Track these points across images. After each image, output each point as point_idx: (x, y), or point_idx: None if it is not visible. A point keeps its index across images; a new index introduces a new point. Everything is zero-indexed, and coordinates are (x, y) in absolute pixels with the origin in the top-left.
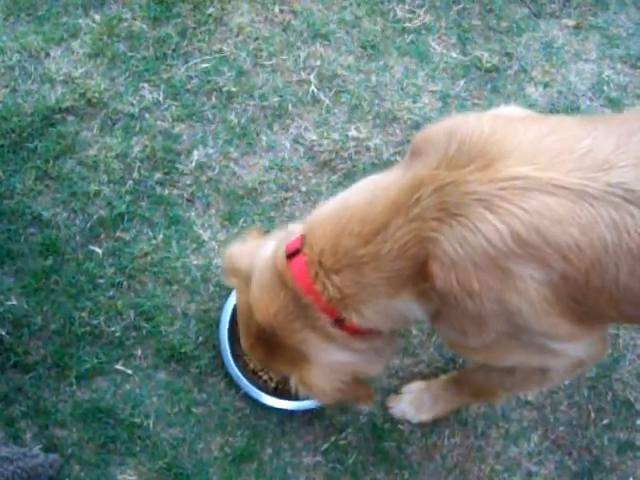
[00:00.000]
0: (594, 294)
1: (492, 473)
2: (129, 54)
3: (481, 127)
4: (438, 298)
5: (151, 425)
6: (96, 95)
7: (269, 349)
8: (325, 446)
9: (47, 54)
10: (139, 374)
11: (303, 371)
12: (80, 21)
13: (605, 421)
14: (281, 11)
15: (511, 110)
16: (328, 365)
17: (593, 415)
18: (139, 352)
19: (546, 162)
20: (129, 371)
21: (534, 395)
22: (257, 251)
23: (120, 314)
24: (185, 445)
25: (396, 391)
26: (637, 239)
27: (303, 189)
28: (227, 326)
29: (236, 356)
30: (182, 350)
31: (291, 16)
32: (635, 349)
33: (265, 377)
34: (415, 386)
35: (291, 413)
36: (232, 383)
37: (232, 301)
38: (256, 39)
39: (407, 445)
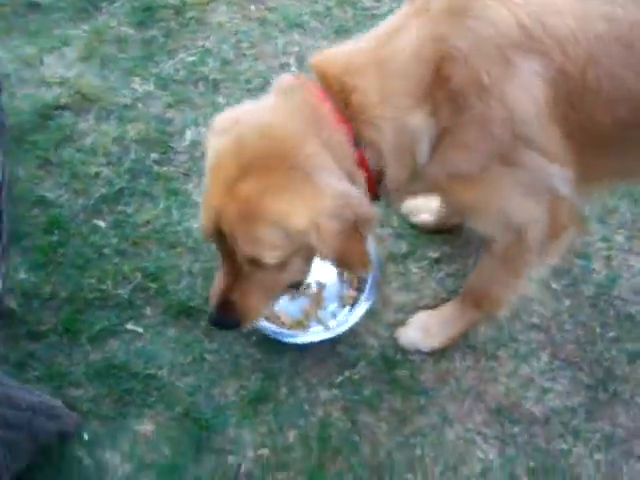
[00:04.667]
0: (590, 97)
1: (508, 391)
2: (119, 55)
3: None
4: (448, 111)
5: (165, 376)
6: (90, 91)
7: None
8: (339, 380)
9: (41, 61)
10: (150, 331)
11: (308, 196)
12: (71, 32)
13: (611, 334)
14: (257, 8)
15: None
16: (334, 191)
17: (599, 330)
18: (148, 311)
19: None
20: (140, 329)
21: (538, 317)
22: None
23: (127, 278)
24: (201, 392)
25: (403, 324)
26: (627, 29)
27: None
28: None
29: None
30: (191, 305)
31: (266, 12)
32: (630, 269)
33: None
34: (420, 314)
35: (303, 350)
36: (242, 332)
37: None
38: (236, 33)
39: (420, 373)
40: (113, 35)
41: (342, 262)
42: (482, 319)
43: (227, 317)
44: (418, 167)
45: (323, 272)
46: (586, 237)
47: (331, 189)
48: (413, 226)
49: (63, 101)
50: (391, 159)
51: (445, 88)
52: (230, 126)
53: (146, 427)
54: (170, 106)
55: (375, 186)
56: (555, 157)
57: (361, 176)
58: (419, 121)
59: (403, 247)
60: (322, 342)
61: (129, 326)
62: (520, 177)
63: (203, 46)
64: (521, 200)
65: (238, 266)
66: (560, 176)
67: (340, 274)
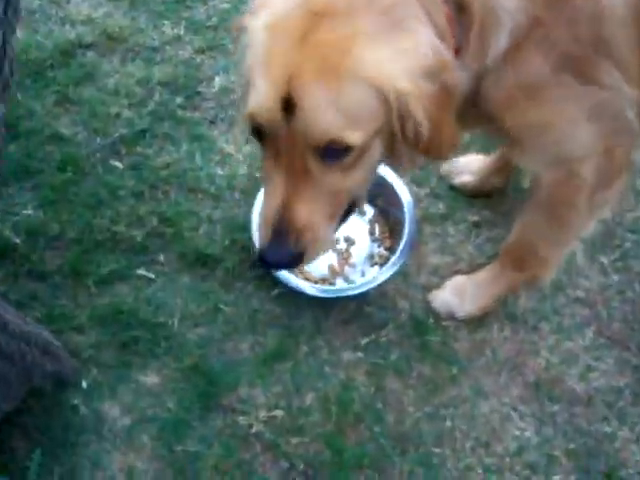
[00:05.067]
0: None
1: (549, 365)
2: None
3: None
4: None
5: (176, 325)
6: (117, 31)
7: None
8: (365, 342)
9: (68, 1)
10: (162, 278)
11: (406, 49)
12: None
13: None
14: None
15: None
16: (434, 47)
17: None
18: (162, 257)
19: None
20: (151, 275)
21: (584, 291)
22: None
23: (142, 221)
24: (213, 345)
25: (437, 288)
26: None
27: None
28: None
29: None
30: (208, 253)
31: None
32: None
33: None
34: (457, 278)
35: (327, 308)
36: (262, 285)
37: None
38: None
39: (454, 340)
40: None
41: (434, 138)
42: (523, 284)
43: (287, 247)
44: (487, 62)
45: (353, 228)
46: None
47: (430, 44)
48: (452, 188)
49: (87, 40)
50: (472, 35)
51: None
52: None
53: (150, 379)
54: (200, 51)
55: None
56: (633, 80)
57: (450, 39)
58: (510, 2)
59: (441, 208)
60: (347, 299)
61: (140, 271)
62: (591, 96)
63: None
64: (584, 126)
65: (301, 168)
66: (633, 104)
67: (371, 232)
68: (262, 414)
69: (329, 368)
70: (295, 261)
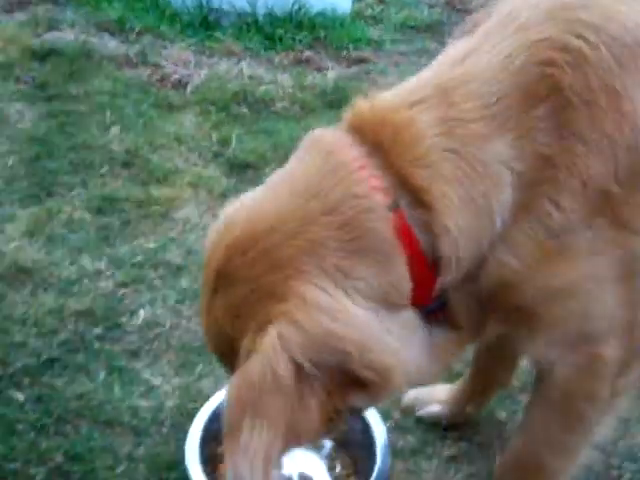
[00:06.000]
0: None
1: None
2: (68, 235)
3: None
4: (548, 134)
5: None
6: (28, 264)
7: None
8: None
9: None
10: None
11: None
12: (17, 211)
13: None
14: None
15: None
16: (332, 311)
17: None
18: None
19: None
20: None
21: None
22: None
23: (42, 457)
24: None
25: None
26: None
27: None
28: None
29: None
30: None
31: None
32: None
33: None
34: None
35: None
36: None
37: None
38: (204, 228)
39: None
40: (65, 218)
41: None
42: None
43: None
44: (495, 232)
45: (309, 464)
46: None
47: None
48: (419, 420)
49: None
50: (455, 218)
51: (549, 101)
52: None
53: None
54: (123, 285)
55: (427, 278)
56: None
57: (401, 261)
58: (500, 149)
59: (411, 441)
60: None
61: None
62: (621, 244)
63: (166, 235)
64: (610, 288)
65: None
66: None
67: (331, 468)
68: None
69: None
70: None
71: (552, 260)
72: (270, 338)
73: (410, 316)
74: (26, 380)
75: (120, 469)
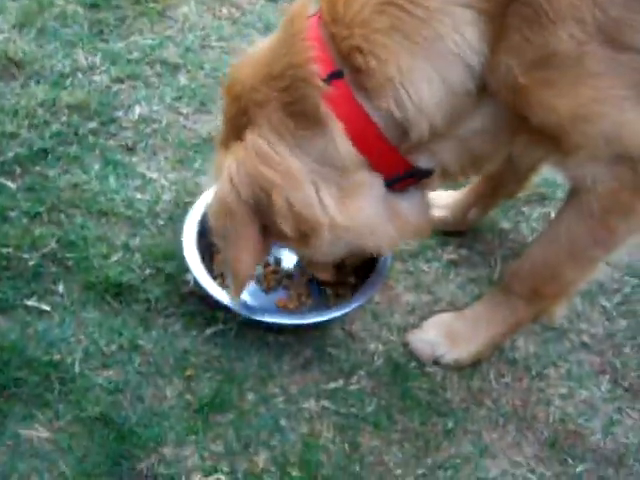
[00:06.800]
0: None
1: (564, 417)
2: (61, 29)
3: None
4: None
5: (76, 365)
6: (20, 56)
7: None
8: (330, 389)
9: None
10: (59, 311)
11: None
12: (7, 3)
13: None
14: (228, 11)
15: None
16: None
17: None
18: (60, 287)
19: None
20: (45, 307)
21: (590, 337)
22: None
23: (35, 243)
24: (126, 390)
25: (416, 328)
26: None
27: None
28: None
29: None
30: (122, 283)
31: (239, 14)
32: None
33: None
34: (442, 315)
35: (279, 348)
36: (193, 322)
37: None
38: (203, 28)
39: (442, 389)
40: (57, 11)
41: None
42: (528, 322)
43: None
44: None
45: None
46: None
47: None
48: None
49: None
50: (397, 66)
51: None
52: None
53: (36, 432)
54: (119, 80)
55: (380, 146)
56: None
57: (336, 128)
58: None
59: (410, 245)
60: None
61: (30, 302)
62: (636, 66)
63: (163, 33)
64: (632, 109)
65: None
66: None
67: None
68: None
69: (286, 421)
70: None
71: (553, 85)
72: (226, 171)
73: (362, 181)
74: (18, 169)
75: (115, 258)
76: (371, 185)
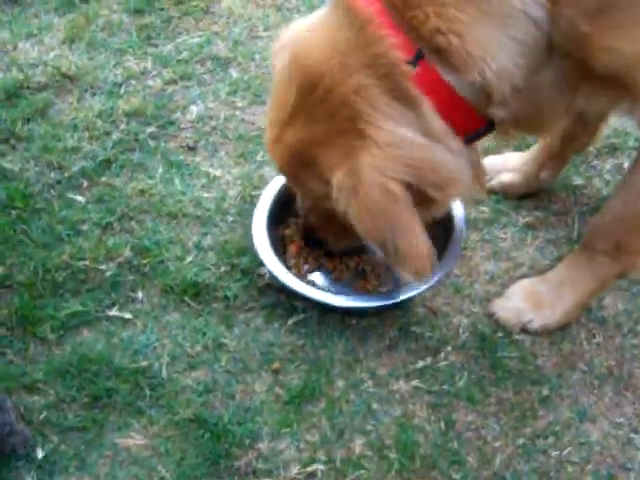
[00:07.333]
0: None
1: None
2: (109, 39)
3: None
4: None
5: (164, 370)
6: (73, 70)
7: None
8: (419, 367)
9: (15, 47)
10: (141, 318)
11: (357, 158)
12: (53, 20)
13: None
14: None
15: None
16: (394, 146)
17: None
18: (140, 294)
19: None
20: (127, 315)
21: None
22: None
23: (110, 253)
24: (217, 390)
25: (499, 297)
26: None
27: None
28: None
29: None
30: (200, 283)
31: (282, 0)
32: None
33: None
34: (524, 282)
35: (363, 332)
36: (274, 314)
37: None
38: (249, 19)
39: (534, 356)
40: (103, 21)
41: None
42: (614, 279)
43: None
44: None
45: None
46: None
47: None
48: (491, 190)
49: (38, 80)
50: (473, 35)
51: None
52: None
53: (133, 440)
54: (172, 82)
55: (466, 112)
56: None
57: (427, 106)
58: None
59: (485, 212)
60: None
61: (112, 312)
62: None
63: (210, 30)
64: None
65: None
66: None
67: None
68: (295, 472)
69: (378, 404)
70: None
71: (622, 27)
72: (368, 169)
73: (457, 145)
74: (85, 182)
75: (189, 259)
76: (462, 146)
